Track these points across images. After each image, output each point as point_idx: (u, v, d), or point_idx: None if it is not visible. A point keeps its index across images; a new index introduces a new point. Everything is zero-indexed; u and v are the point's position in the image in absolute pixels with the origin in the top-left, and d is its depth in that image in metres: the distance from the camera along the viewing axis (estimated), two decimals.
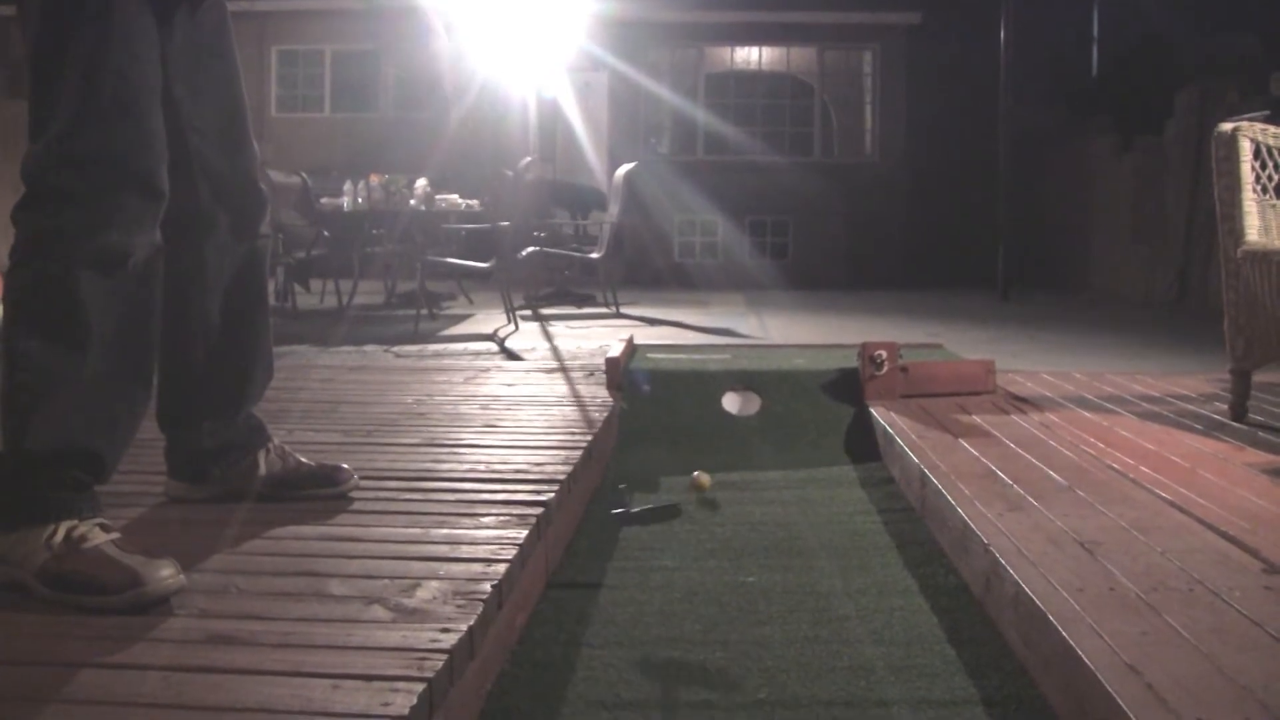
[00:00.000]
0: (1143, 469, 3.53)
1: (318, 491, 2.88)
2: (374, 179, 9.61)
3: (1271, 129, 4.43)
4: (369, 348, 6.66)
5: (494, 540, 2.55)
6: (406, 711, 1.67)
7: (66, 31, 2.32)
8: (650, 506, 2.80)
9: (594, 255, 10.61)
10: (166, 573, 2.12)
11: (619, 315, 10.07)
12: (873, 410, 4.73)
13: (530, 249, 10.33)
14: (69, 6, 2.33)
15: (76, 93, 2.29)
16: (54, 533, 2.18)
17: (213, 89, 2.66)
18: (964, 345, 7.05)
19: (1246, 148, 4.31)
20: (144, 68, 2.40)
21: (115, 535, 2.24)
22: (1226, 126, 4.39)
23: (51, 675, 1.80)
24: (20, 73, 16.41)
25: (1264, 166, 4.35)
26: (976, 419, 4.45)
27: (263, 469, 2.84)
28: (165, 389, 2.73)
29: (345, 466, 2.97)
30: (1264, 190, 4.35)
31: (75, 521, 2.21)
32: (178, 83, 2.53)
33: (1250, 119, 4.83)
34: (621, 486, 2.84)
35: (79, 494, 2.27)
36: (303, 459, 2.93)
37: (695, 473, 3.97)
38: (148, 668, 1.82)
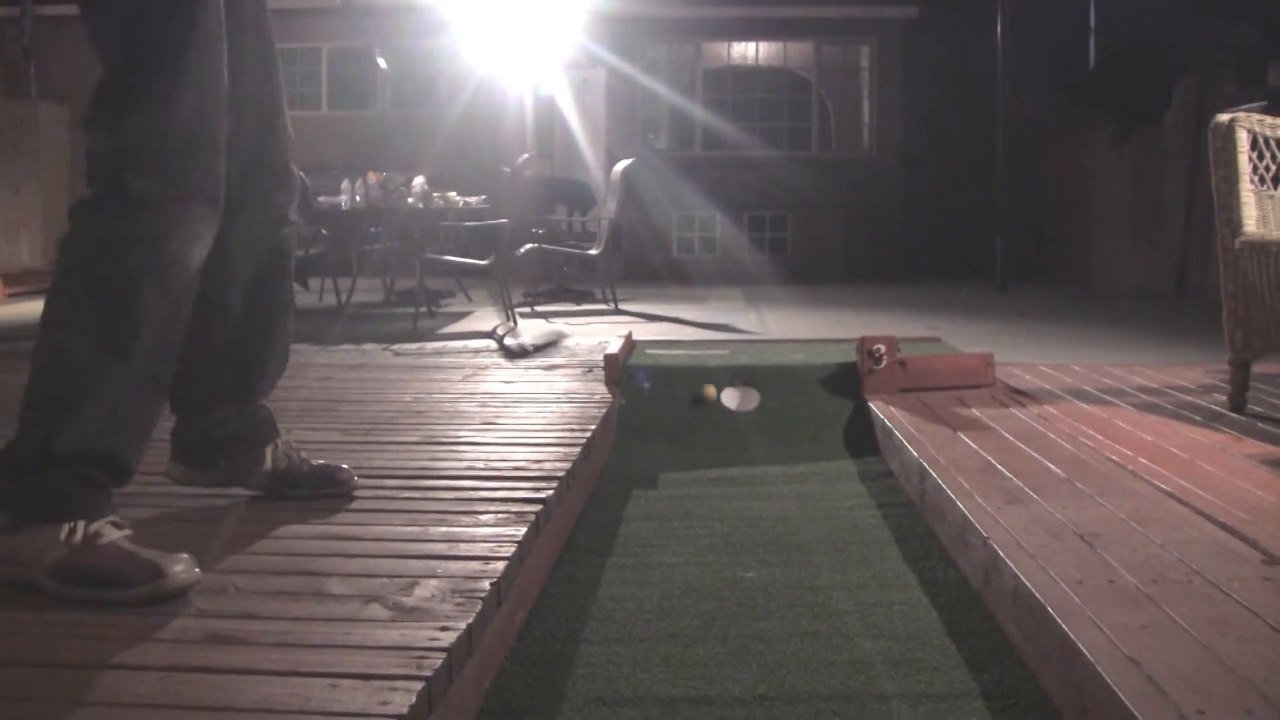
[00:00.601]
0: (1142, 461, 3.52)
1: (318, 491, 2.87)
2: (372, 177, 9.61)
3: (1269, 120, 4.43)
4: (368, 346, 6.66)
5: (493, 538, 2.55)
6: (405, 710, 1.67)
7: (150, 36, 2.30)
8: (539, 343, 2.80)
9: (592, 252, 10.61)
10: (181, 566, 2.15)
11: (617, 311, 10.06)
12: (871, 404, 4.73)
13: (529, 246, 10.33)
14: (154, 11, 2.30)
15: (160, 98, 2.28)
16: (73, 530, 2.18)
17: (250, 68, 2.61)
18: (962, 339, 7.04)
19: (1244, 139, 4.31)
20: (221, 75, 2.39)
21: (128, 531, 2.25)
22: (1223, 117, 4.38)
23: (49, 676, 1.80)
24: (14, 73, 16.41)
25: (1261, 157, 4.34)
26: (975, 412, 4.45)
27: (268, 464, 2.83)
28: (180, 372, 2.60)
29: (345, 467, 2.96)
30: (1261, 181, 4.34)
31: (89, 520, 2.20)
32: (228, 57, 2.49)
33: (1248, 110, 4.82)
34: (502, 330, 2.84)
35: (100, 493, 2.27)
36: (303, 455, 2.93)
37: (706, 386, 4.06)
38: (145, 668, 1.82)
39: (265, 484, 2.83)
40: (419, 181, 9.39)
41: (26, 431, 2.25)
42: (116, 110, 2.28)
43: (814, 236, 16.82)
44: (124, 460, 2.31)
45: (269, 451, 2.83)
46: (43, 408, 2.25)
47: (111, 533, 2.21)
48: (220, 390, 2.76)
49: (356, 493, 2.91)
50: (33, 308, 9.54)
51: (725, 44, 17.88)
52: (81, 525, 2.18)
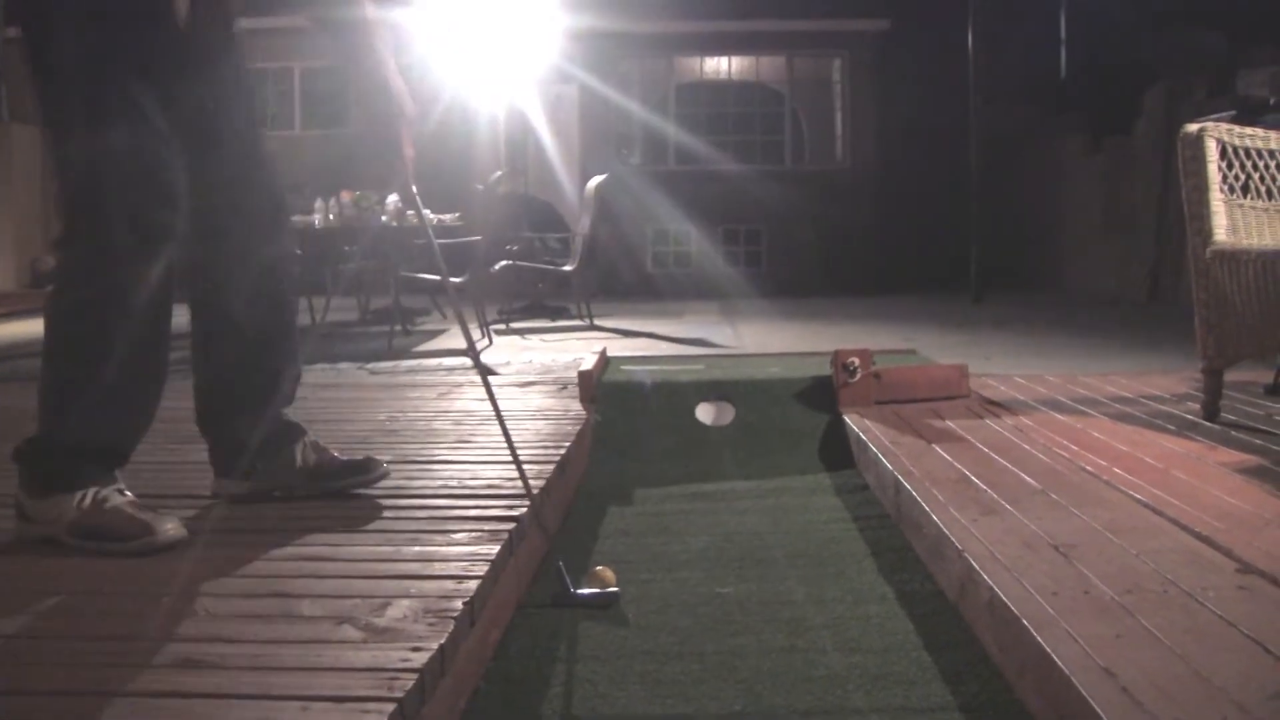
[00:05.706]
0: (1116, 470, 3.53)
1: (354, 480, 3.06)
2: (345, 195, 9.58)
3: (1237, 129, 4.45)
4: (342, 365, 6.63)
5: (466, 557, 2.54)
6: None
7: (67, 80, 2.62)
8: (593, 591, 2.84)
9: (567, 268, 10.59)
10: (171, 525, 2.63)
11: (593, 327, 10.04)
12: (846, 417, 4.73)
13: (503, 263, 10.31)
14: (70, 55, 2.60)
15: (85, 142, 2.60)
16: (83, 497, 2.64)
17: (229, 106, 2.88)
18: (937, 350, 7.05)
19: (1213, 148, 4.32)
20: (152, 116, 2.64)
21: (131, 497, 2.69)
22: (1192, 127, 4.40)
23: (20, 703, 1.78)
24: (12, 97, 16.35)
25: (1230, 166, 4.36)
26: (950, 424, 4.46)
27: (299, 461, 3.02)
28: (203, 390, 3.00)
29: (375, 457, 3.14)
30: (1231, 190, 4.36)
31: (99, 488, 2.65)
32: (196, 98, 2.77)
33: (1217, 119, 4.85)
34: (560, 563, 2.89)
35: (102, 468, 2.70)
36: (335, 452, 3.09)
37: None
38: (116, 694, 1.80)
39: (303, 483, 3.02)
40: (392, 199, 9.36)
41: (41, 424, 2.70)
42: (54, 152, 2.68)
43: (788, 249, 16.85)
44: (116, 446, 2.75)
45: (298, 449, 3.03)
46: (47, 407, 2.70)
47: (115, 498, 2.66)
48: (240, 398, 3.00)
49: (329, 512, 2.92)
50: (6, 330, 9.46)
51: (698, 59, 17.94)
52: (91, 493, 2.64)
